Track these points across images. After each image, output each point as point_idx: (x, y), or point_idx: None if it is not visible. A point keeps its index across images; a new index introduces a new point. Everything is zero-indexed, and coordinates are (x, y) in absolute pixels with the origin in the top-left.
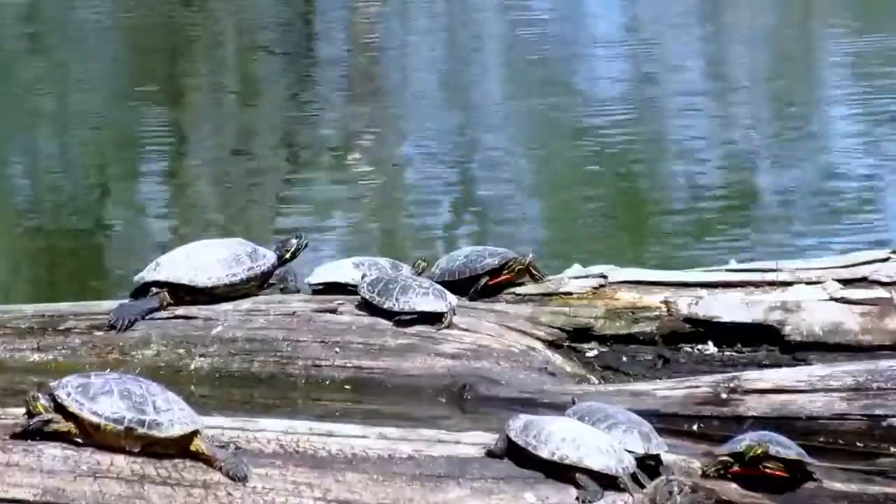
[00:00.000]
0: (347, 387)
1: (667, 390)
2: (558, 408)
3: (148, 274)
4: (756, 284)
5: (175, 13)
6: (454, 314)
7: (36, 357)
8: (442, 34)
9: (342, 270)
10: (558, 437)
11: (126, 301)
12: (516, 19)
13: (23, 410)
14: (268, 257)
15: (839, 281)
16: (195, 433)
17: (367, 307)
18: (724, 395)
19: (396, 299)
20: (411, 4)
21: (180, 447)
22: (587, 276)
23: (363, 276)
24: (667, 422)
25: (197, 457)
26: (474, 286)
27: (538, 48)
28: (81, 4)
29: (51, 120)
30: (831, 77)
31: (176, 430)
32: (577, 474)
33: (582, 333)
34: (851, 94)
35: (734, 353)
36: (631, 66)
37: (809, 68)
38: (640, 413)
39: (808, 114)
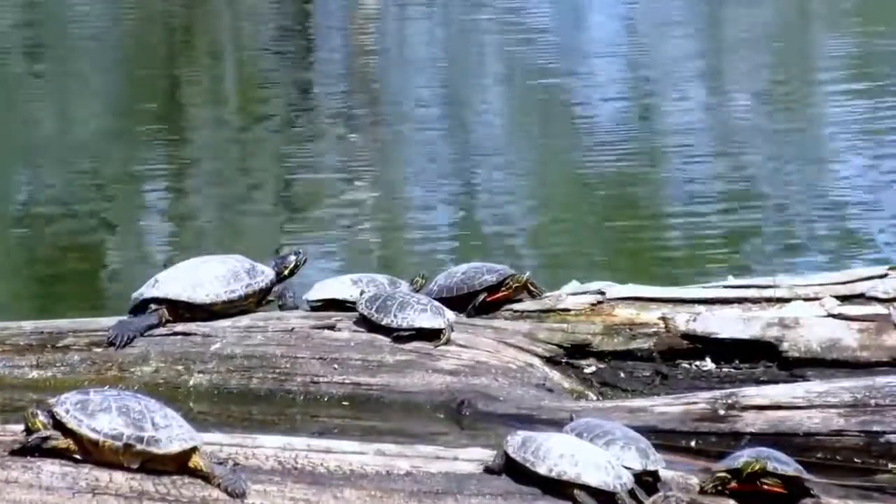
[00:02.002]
0: (345, 403)
1: (664, 406)
2: (556, 424)
3: (146, 290)
4: (754, 301)
5: (174, 18)
6: (452, 331)
7: (35, 374)
8: (440, 44)
9: (340, 287)
10: (556, 453)
11: (125, 318)
12: (514, 26)
13: (22, 427)
14: (266, 274)
15: (837, 297)
16: (194, 450)
17: (366, 323)
18: (721, 412)
19: (395, 316)
20: (408, 8)
21: (179, 464)
22: (585, 293)
23: (361, 293)
24: (664, 438)
25: (195, 473)
26: (472, 302)
27: (536, 58)
28: (79, 6)
29: (49, 134)
30: (831, 87)
31: (174, 447)
32: (575, 490)
33: (580, 349)
34: (852, 104)
35: (732, 370)
36: (628, 79)
37: (809, 77)
38: (638, 429)
39: (808, 127)
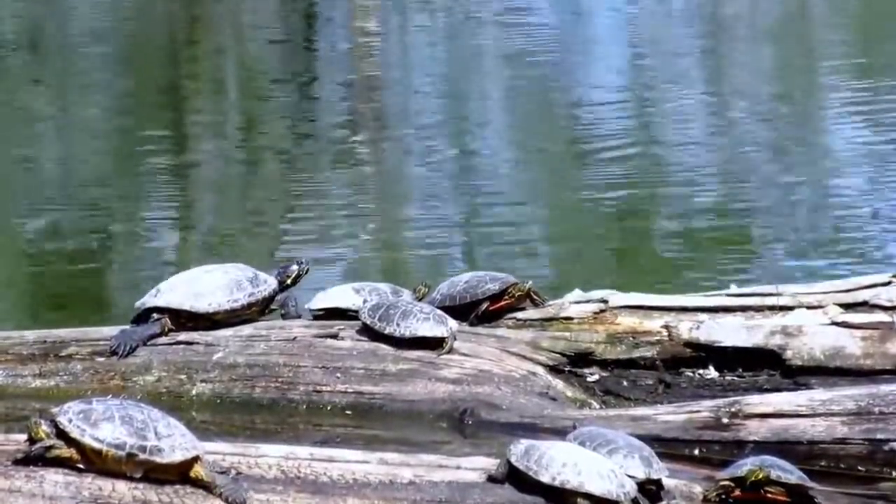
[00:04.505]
0: (348, 412)
1: (668, 415)
2: (559, 432)
3: (149, 300)
4: (757, 309)
5: (175, 25)
6: (455, 339)
7: (38, 383)
8: (441, 52)
9: (343, 296)
10: (559, 461)
11: (127, 327)
12: (515, 31)
13: (25, 436)
14: (269, 283)
15: (840, 305)
16: (196, 459)
17: (368, 332)
18: (725, 420)
19: (397, 324)
20: (410, 10)
21: (181, 473)
22: (588, 301)
23: (364, 302)
24: (668, 446)
25: (197, 483)
26: (475, 311)
27: (537, 63)
28: (81, 14)
29: (50, 139)
30: (832, 94)
31: (177, 456)
32: (578, 499)
33: (583, 358)
34: (853, 111)
35: (735, 378)
36: (630, 86)
37: (810, 84)
38: (641, 438)
39: (810, 134)
